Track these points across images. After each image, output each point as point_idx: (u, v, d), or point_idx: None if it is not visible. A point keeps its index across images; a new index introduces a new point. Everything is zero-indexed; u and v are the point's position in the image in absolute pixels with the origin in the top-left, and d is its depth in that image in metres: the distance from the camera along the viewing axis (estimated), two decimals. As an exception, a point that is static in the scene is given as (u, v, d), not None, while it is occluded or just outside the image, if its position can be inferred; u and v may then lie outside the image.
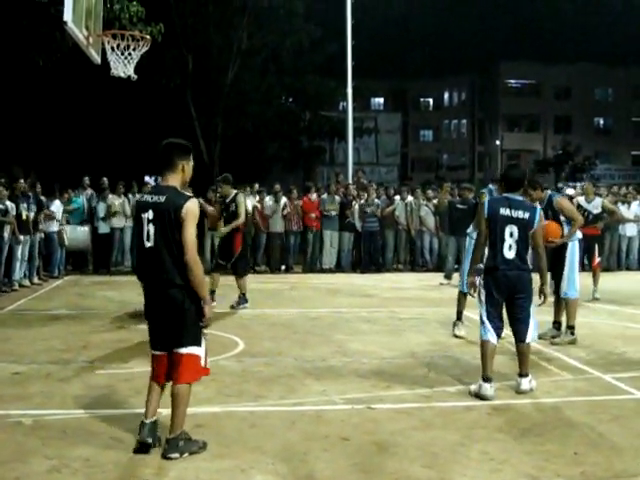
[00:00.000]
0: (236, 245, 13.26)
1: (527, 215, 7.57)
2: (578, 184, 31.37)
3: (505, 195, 7.73)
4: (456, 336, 10.85)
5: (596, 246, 15.00)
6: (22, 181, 17.04)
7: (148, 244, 5.71)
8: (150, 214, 5.69)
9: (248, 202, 19.65)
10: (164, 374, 5.85)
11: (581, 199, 15.72)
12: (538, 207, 8.07)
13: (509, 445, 6.04)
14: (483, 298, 7.62)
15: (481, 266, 7.65)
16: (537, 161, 65.06)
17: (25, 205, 16.23)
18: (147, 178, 35.20)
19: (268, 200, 20.73)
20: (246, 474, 5.38)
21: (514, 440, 6.16)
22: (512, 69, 74.72)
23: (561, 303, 10.59)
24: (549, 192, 10.47)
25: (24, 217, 16.04)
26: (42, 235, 17.59)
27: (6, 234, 15.44)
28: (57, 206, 18.63)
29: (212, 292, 13.44)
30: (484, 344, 7.61)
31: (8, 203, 15.57)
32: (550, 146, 70.29)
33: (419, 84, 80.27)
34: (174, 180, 5.82)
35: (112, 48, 11.15)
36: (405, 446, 5.98)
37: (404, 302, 14.60)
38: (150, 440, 5.73)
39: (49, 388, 7.69)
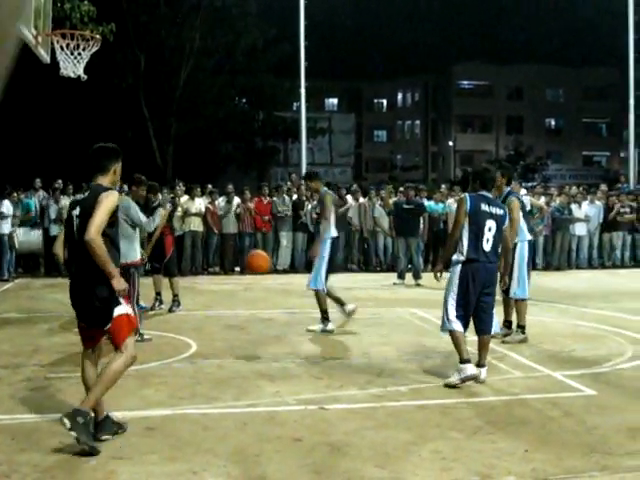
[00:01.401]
0: (167, 247, 13.30)
1: (502, 212, 8.17)
2: (530, 184, 31.68)
3: (481, 193, 8.15)
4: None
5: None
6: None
7: (76, 239, 5.89)
8: (77, 210, 5.94)
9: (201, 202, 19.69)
10: (89, 338, 6.11)
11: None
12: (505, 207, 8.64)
13: (461, 443, 6.07)
14: (456, 288, 7.93)
15: (459, 257, 7.98)
16: (489, 161, 65.31)
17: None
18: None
19: (221, 201, 20.65)
20: (198, 477, 5.34)
21: (466, 438, 6.19)
22: (465, 70, 75.21)
23: (511, 302, 10.70)
24: (509, 189, 10.59)
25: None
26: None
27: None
28: (7, 207, 18.39)
29: (157, 294, 13.43)
30: (453, 334, 7.94)
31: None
32: (502, 146, 70.83)
33: (373, 85, 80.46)
34: (104, 181, 6.08)
35: (61, 47, 11.01)
36: (358, 446, 5.99)
37: (358, 302, 14.57)
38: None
39: (-2, 392, 7.59)
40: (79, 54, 11.05)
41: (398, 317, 12.72)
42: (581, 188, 23.77)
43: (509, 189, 10.56)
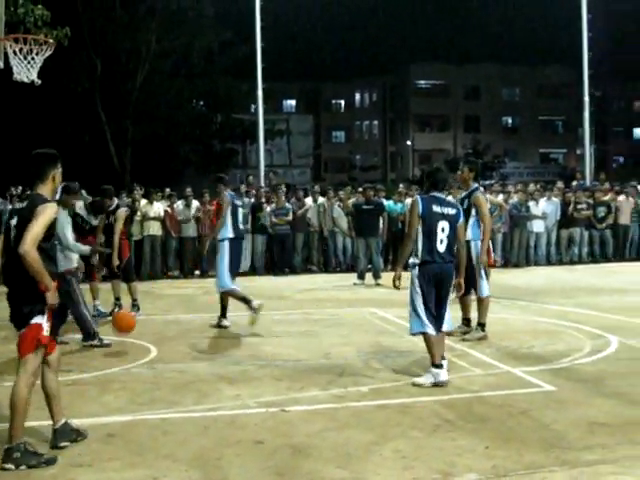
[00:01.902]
0: (123, 252, 13.30)
1: (454, 212, 8.19)
2: (487, 182, 31.89)
3: (433, 194, 8.20)
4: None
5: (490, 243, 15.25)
6: None
7: (12, 247, 5.84)
8: (15, 220, 5.90)
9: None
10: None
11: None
12: (460, 206, 8.84)
13: (421, 442, 6.10)
14: (419, 290, 8.01)
15: (414, 260, 8.05)
16: (447, 160, 65.83)
17: None
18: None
19: (179, 204, 20.53)
20: (159, 482, 5.32)
21: (426, 437, 6.23)
22: (422, 70, 75.70)
23: (469, 300, 10.75)
24: (476, 185, 10.66)
25: None
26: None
27: None
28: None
29: (117, 299, 13.35)
30: (426, 336, 7.98)
31: None
32: (460, 145, 71.48)
33: (331, 86, 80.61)
34: (44, 189, 6.00)
35: (14, 52, 10.90)
36: (320, 447, 5.99)
37: (318, 303, 14.63)
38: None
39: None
40: (32, 59, 10.95)
41: (358, 317, 12.73)
42: (538, 185, 23.94)
43: (476, 185, 10.63)
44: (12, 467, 5.57)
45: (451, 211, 8.15)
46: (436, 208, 8.04)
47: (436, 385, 7.83)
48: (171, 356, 9.67)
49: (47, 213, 5.76)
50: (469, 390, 7.77)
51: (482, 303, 10.58)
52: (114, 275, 13.39)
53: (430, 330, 7.96)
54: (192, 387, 7.98)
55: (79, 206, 13.40)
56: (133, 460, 5.74)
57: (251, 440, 6.17)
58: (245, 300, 11.71)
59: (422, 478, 5.35)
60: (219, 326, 11.93)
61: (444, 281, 8.10)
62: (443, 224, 8.02)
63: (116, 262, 12.97)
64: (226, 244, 11.65)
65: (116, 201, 13.72)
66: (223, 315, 12.07)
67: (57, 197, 8.75)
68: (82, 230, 13.07)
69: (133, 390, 7.86)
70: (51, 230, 5.86)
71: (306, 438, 6.22)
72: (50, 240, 5.90)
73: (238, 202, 12.36)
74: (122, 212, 13.22)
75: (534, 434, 6.27)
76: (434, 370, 7.90)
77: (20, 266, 5.69)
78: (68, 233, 9.76)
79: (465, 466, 5.55)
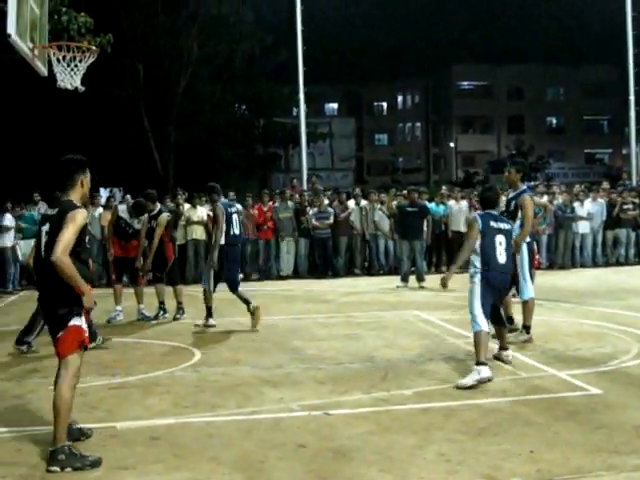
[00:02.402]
0: (168, 255, 13.43)
1: (508, 226, 8.91)
2: (532, 183, 31.61)
3: (488, 212, 8.88)
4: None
5: (534, 244, 15.11)
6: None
7: (43, 254, 5.95)
8: (47, 226, 5.99)
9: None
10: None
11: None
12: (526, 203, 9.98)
13: (466, 446, 6.05)
14: (478, 292, 8.46)
15: (475, 269, 8.58)
16: (491, 162, 65.52)
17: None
18: (102, 190, 34.91)
19: (223, 209, 20.58)
20: (202, 485, 5.34)
21: (471, 440, 6.17)
22: (464, 71, 75.29)
23: (509, 298, 10.61)
24: (525, 186, 10.59)
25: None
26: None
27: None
28: (9, 220, 18.42)
29: (161, 303, 13.41)
30: (479, 334, 8.31)
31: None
32: (504, 146, 70.85)
33: (372, 88, 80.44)
34: (74, 195, 6.08)
35: (58, 60, 11.00)
36: (362, 451, 5.97)
37: (361, 306, 14.60)
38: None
39: (4, 406, 7.57)
40: (75, 66, 11.04)
41: (401, 320, 12.69)
42: (583, 186, 23.71)
43: (524, 187, 10.53)
44: (57, 469, 5.61)
45: (506, 226, 8.83)
46: (493, 224, 8.68)
47: (480, 382, 7.87)
48: (215, 359, 9.71)
49: (77, 219, 5.84)
50: (514, 393, 7.69)
51: (526, 306, 10.46)
52: (157, 279, 13.48)
53: (484, 327, 8.34)
54: (236, 390, 8.00)
55: (122, 210, 13.44)
56: (177, 463, 5.76)
57: (294, 443, 6.17)
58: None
59: (466, 482, 5.32)
60: (207, 326, 12.36)
61: (501, 291, 8.84)
62: (500, 238, 8.65)
63: (148, 267, 13.09)
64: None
65: (159, 206, 13.77)
66: (210, 315, 12.45)
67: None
68: (125, 234, 13.15)
69: (177, 393, 7.90)
70: (82, 235, 5.93)
71: (349, 441, 6.20)
72: (82, 245, 5.97)
73: (232, 209, 12.58)
74: (164, 217, 13.29)
75: (580, 438, 6.20)
76: (478, 367, 8.03)
77: (48, 272, 5.80)
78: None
79: (510, 470, 5.49)
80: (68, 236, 5.75)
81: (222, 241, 12.04)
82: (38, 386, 8.31)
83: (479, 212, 9.18)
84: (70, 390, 5.85)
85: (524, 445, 6.01)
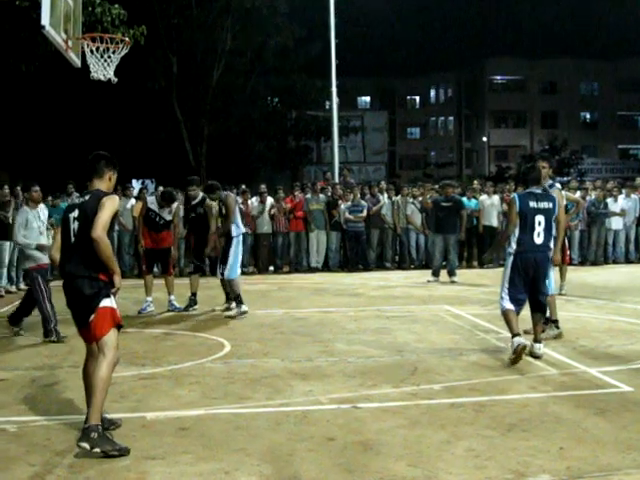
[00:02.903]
0: (210, 244, 13.53)
1: (550, 205, 8.94)
2: (565, 179, 31.40)
3: (529, 190, 9.00)
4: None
5: (566, 240, 15.00)
6: (7, 187, 17.00)
7: (72, 240, 6.14)
8: (76, 212, 6.17)
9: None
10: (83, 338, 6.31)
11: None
12: (556, 195, 9.46)
13: (495, 441, 6.02)
14: (508, 275, 8.86)
15: (510, 250, 8.89)
16: (524, 156, 65.09)
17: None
18: (134, 182, 35.10)
19: (254, 201, 20.65)
20: (230, 476, 5.35)
21: (500, 436, 6.15)
22: (497, 65, 74.95)
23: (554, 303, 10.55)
24: (551, 180, 10.54)
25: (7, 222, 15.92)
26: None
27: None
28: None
29: (193, 294, 13.43)
30: (506, 312, 8.81)
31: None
32: (537, 141, 70.42)
33: (405, 82, 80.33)
34: (101, 186, 6.32)
35: (91, 51, 11.09)
36: (391, 445, 5.96)
37: (391, 300, 14.58)
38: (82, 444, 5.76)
39: (34, 394, 7.64)
40: (109, 57, 11.12)
41: (432, 314, 12.65)
42: (617, 182, 23.50)
43: (551, 181, 10.46)
44: (87, 447, 5.65)
45: (547, 205, 8.87)
46: (532, 204, 8.78)
47: (517, 351, 8.46)
48: (244, 351, 9.73)
49: (112, 203, 6.08)
50: (544, 390, 7.64)
51: (549, 301, 10.36)
52: (198, 268, 13.52)
53: (509, 306, 8.78)
54: (265, 382, 8.01)
55: (151, 201, 13.40)
56: (205, 454, 5.78)
57: (322, 436, 6.17)
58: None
59: (495, 478, 5.28)
60: (242, 313, 12.56)
61: (539, 266, 8.85)
62: (539, 218, 8.77)
63: (211, 251, 13.48)
64: (240, 239, 12.84)
65: (201, 194, 13.64)
66: (240, 302, 12.64)
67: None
68: (156, 225, 13.15)
69: (206, 385, 7.93)
70: (113, 221, 6.15)
71: (377, 435, 6.19)
72: (112, 230, 6.22)
73: (238, 200, 12.87)
74: (214, 203, 13.29)
75: (610, 435, 6.14)
76: (513, 339, 8.59)
77: (78, 257, 6.02)
78: (20, 231, 10.75)
79: (538, 467, 5.46)
80: (105, 217, 5.97)
81: (242, 230, 12.94)
82: (68, 375, 8.38)
83: (519, 192, 9.27)
84: (110, 368, 5.97)
85: (554, 442, 5.98)
